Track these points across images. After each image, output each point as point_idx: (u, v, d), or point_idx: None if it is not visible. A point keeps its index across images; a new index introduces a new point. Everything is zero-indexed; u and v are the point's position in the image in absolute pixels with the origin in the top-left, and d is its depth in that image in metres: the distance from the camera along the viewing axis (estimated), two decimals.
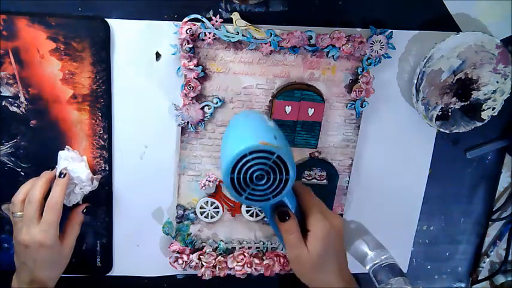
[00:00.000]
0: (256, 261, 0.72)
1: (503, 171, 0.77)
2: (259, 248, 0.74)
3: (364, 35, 0.63)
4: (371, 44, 0.64)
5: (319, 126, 0.67)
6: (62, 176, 0.61)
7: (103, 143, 0.66)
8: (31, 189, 0.60)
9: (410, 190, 0.76)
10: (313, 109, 0.66)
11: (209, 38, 0.61)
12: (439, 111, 0.69)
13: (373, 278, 0.71)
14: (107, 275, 0.73)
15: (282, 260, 0.73)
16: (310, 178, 0.70)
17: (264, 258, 0.73)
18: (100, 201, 0.68)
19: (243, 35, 0.61)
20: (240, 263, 0.72)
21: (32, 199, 0.59)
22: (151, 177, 0.69)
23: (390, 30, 0.64)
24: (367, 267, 0.72)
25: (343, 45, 0.63)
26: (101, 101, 0.64)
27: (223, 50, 0.63)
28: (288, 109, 0.65)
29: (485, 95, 0.69)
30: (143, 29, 0.61)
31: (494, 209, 0.79)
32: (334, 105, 0.67)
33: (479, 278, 0.83)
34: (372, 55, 0.64)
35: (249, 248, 0.73)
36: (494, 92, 0.68)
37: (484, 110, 0.69)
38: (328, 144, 0.69)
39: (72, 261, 0.65)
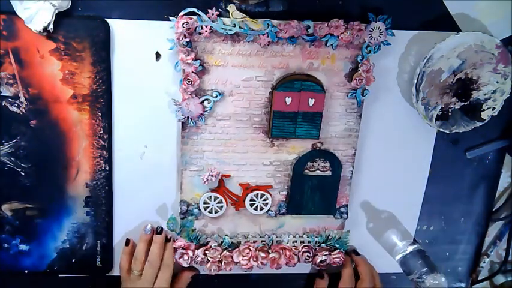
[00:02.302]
0: (262, 254, 0.72)
1: (503, 171, 0.77)
2: (264, 241, 0.74)
3: None
4: (370, 31, 0.63)
5: (320, 116, 0.67)
6: (160, 230, 0.69)
7: (103, 143, 0.66)
8: (151, 253, 0.67)
9: (410, 190, 0.76)
10: (313, 99, 0.65)
11: (206, 31, 0.61)
12: (439, 111, 0.69)
13: (402, 268, 0.73)
14: (107, 275, 0.73)
15: (287, 253, 0.73)
16: (313, 169, 0.70)
17: (270, 251, 0.73)
18: (100, 201, 0.69)
19: (240, 27, 0.61)
20: (245, 257, 0.72)
21: (154, 263, 0.67)
22: (153, 175, 0.69)
23: (389, 17, 0.63)
24: (397, 257, 0.73)
25: (341, 33, 0.63)
26: (101, 101, 0.64)
27: (220, 43, 0.63)
28: (288, 100, 0.65)
29: (485, 95, 0.69)
30: (143, 29, 0.61)
31: (494, 209, 0.79)
32: (334, 94, 0.67)
33: (479, 278, 0.83)
34: (371, 42, 0.64)
35: (254, 241, 0.73)
36: (494, 92, 0.68)
37: (484, 110, 0.69)
38: (330, 134, 0.69)
39: (72, 261, 0.65)
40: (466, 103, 0.69)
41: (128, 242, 0.69)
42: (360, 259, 0.75)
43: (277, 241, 0.74)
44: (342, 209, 0.73)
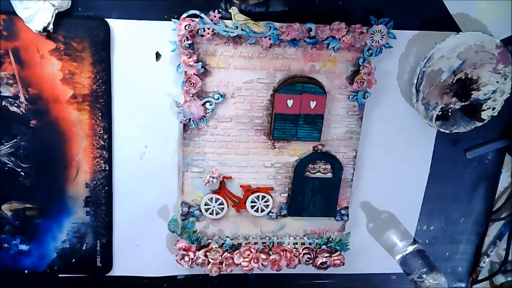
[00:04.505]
0: (263, 256, 0.72)
1: (503, 171, 0.77)
2: (265, 243, 0.74)
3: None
4: (371, 34, 0.63)
5: (321, 119, 0.67)
6: None
7: (103, 143, 0.66)
8: None
9: (411, 190, 0.76)
10: (315, 102, 0.66)
11: (208, 33, 0.61)
12: (439, 111, 0.69)
13: (402, 268, 0.73)
14: (107, 275, 0.73)
15: (288, 255, 0.73)
16: (314, 171, 0.70)
17: (271, 253, 0.73)
18: (100, 201, 0.69)
19: (242, 29, 0.61)
20: (246, 259, 0.72)
21: None
22: (154, 176, 0.69)
23: (390, 20, 0.63)
24: (397, 257, 0.73)
25: (343, 36, 0.63)
26: (101, 101, 0.64)
27: (222, 45, 0.63)
28: (290, 102, 0.65)
29: (485, 95, 0.69)
30: (143, 29, 0.61)
31: (494, 209, 0.79)
32: (336, 97, 0.67)
33: (479, 278, 0.83)
34: (372, 45, 0.64)
35: (255, 243, 0.73)
36: (494, 92, 0.68)
37: (484, 110, 0.69)
38: (331, 136, 0.69)
39: (72, 261, 0.65)
40: (466, 103, 0.69)
41: None
42: None
43: (278, 243, 0.74)
44: (343, 211, 0.73)
